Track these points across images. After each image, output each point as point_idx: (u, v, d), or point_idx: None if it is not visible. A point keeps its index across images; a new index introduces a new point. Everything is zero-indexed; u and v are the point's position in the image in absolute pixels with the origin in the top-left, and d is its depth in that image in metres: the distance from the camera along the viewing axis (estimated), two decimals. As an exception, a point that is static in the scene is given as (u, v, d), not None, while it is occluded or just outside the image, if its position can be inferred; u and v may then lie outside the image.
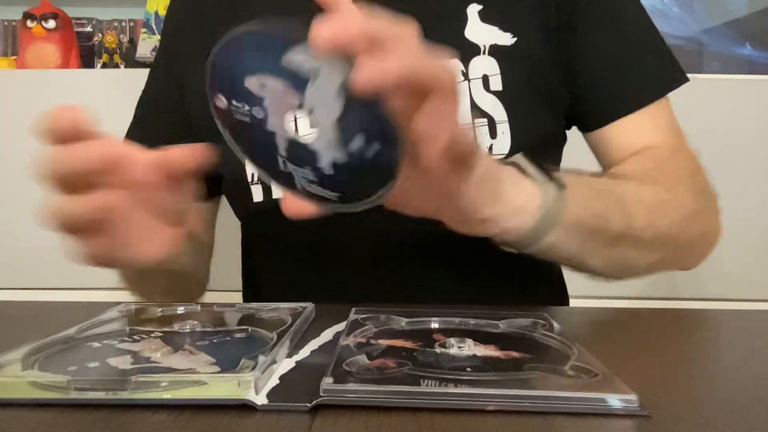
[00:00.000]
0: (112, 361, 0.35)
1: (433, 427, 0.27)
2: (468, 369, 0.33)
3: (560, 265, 0.52)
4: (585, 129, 0.64)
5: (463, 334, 0.39)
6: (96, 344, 0.38)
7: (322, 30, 0.28)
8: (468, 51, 0.58)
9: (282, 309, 0.46)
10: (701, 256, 0.60)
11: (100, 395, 0.30)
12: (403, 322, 0.42)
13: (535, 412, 0.29)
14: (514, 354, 0.36)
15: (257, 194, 0.64)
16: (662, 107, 0.64)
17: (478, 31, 0.59)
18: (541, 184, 0.44)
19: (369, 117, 0.31)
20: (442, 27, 0.60)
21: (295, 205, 0.36)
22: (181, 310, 0.48)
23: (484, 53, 0.58)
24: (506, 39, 0.59)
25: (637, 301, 1.17)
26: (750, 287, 1.18)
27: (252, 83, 0.32)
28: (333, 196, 0.35)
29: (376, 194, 0.34)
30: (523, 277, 0.61)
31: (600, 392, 0.29)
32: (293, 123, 0.35)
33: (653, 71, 0.64)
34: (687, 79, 0.64)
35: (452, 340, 0.37)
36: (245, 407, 0.29)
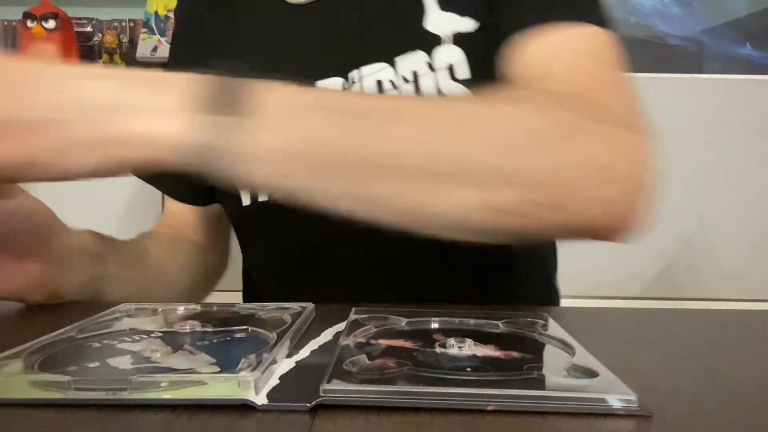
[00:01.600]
0: (112, 361, 0.35)
1: (433, 427, 0.27)
2: (468, 369, 0.33)
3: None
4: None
5: (463, 334, 0.39)
6: (96, 344, 0.38)
7: None
8: (429, 41, 0.57)
9: (282, 309, 0.46)
10: (605, 203, 0.42)
11: (100, 395, 0.30)
12: (403, 322, 0.42)
13: (535, 412, 0.29)
14: (514, 354, 0.36)
15: (245, 198, 0.64)
16: (572, 37, 0.51)
17: (438, 20, 0.57)
18: (192, 116, 0.36)
19: None
20: (399, 20, 0.59)
21: None
22: (181, 310, 0.48)
23: (448, 42, 0.57)
24: (468, 25, 0.56)
25: (637, 301, 1.17)
26: (750, 287, 1.18)
27: None
28: None
29: None
30: (510, 282, 0.61)
31: (600, 392, 0.29)
32: None
33: (569, 3, 0.53)
34: (612, 28, 0.53)
35: (452, 340, 0.37)
36: (245, 407, 0.29)
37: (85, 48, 1.48)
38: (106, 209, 1.23)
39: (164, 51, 1.33)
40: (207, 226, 0.76)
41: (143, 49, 1.40)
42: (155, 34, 1.40)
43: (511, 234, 0.42)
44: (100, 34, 1.51)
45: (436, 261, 0.59)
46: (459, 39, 0.57)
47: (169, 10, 1.40)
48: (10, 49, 1.54)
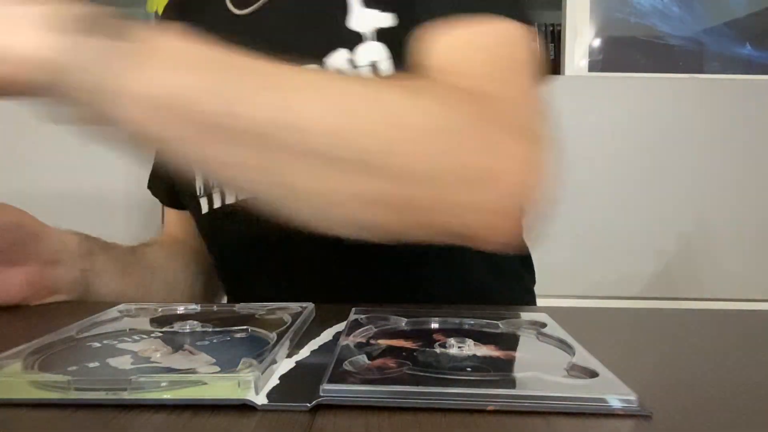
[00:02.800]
0: (112, 361, 0.35)
1: (433, 427, 0.27)
2: (468, 369, 0.33)
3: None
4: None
5: (463, 334, 0.39)
6: (96, 344, 0.38)
7: None
8: (351, 40, 0.56)
9: (282, 309, 0.46)
10: (478, 210, 0.42)
11: (100, 395, 0.30)
12: (403, 322, 0.42)
13: (535, 412, 0.29)
14: (514, 354, 0.36)
15: (204, 206, 0.65)
16: (484, 33, 0.49)
17: (361, 17, 0.56)
18: (72, 35, 0.34)
19: None
20: (321, 20, 0.59)
21: None
22: (181, 310, 0.48)
23: (371, 39, 0.56)
24: (388, 20, 0.56)
25: (637, 301, 1.17)
26: (750, 287, 1.18)
27: None
28: None
29: None
30: (483, 275, 0.61)
31: (600, 392, 0.29)
32: None
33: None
34: (529, 21, 0.50)
35: (452, 340, 0.37)
36: (245, 407, 0.29)
37: (85, 48, 1.48)
38: (106, 222, 1.23)
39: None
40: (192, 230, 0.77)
41: (143, 49, 1.40)
42: (155, 34, 1.40)
43: (382, 230, 0.41)
44: (100, 34, 1.51)
45: (403, 264, 0.59)
46: (381, 35, 0.56)
47: (169, 10, 1.40)
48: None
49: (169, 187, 0.76)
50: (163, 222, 0.82)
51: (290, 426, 0.28)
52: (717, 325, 0.50)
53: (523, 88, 0.47)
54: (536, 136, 0.44)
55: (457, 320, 0.43)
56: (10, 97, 0.35)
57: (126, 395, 0.30)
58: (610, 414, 0.29)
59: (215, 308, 0.48)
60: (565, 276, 1.14)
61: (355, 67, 0.56)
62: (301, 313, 0.45)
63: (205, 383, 0.30)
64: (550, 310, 0.48)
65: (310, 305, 0.47)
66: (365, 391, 0.30)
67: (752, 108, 1.18)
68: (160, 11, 1.40)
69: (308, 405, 0.29)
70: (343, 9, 0.58)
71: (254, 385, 0.30)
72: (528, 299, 0.70)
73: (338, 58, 0.56)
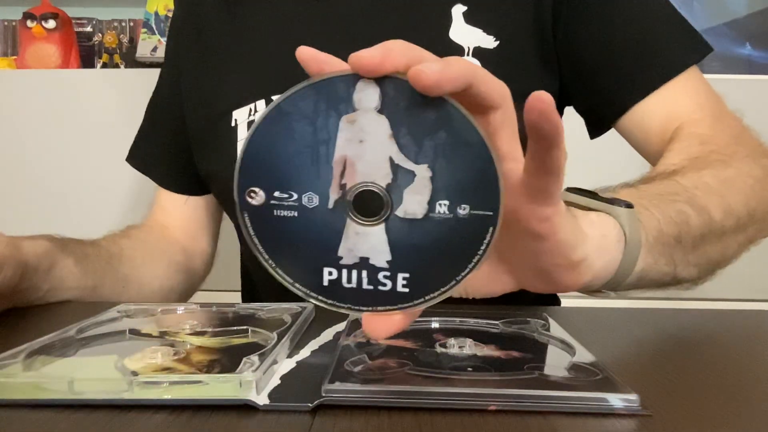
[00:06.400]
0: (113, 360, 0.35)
1: (433, 427, 0.27)
2: (468, 369, 0.33)
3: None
4: (612, 118, 0.60)
5: (463, 334, 0.39)
6: (95, 344, 0.38)
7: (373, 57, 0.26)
8: (451, 52, 0.58)
9: (282, 309, 0.46)
10: None
11: (100, 395, 0.30)
12: (403, 322, 0.42)
13: (536, 411, 0.29)
14: (514, 354, 0.36)
15: None
16: (692, 76, 0.59)
17: (462, 32, 0.58)
18: (607, 209, 0.39)
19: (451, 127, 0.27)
20: (426, 27, 0.59)
21: (382, 323, 0.30)
22: (180, 310, 0.48)
23: (468, 55, 0.58)
24: (489, 42, 0.58)
25: (637, 301, 1.17)
26: (750, 287, 1.18)
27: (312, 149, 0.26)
28: (402, 287, 0.29)
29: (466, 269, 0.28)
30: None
31: (601, 392, 0.29)
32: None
33: (671, 44, 0.59)
34: (711, 48, 0.61)
35: (452, 340, 0.37)
36: (246, 407, 0.29)
37: (85, 48, 1.48)
38: (109, 207, 1.23)
39: (164, 51, 1.33)
40: (195, 226, 0.74)
41: (143, 49, 1.40)
42: (155, 34, 1.40)
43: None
44: (100, 34, 1.51)
45: None
46: (478, 53, 0.58)
47: (169, 10, 1.39)
48: (10, 49, 1.54)
49: (169, 163, 0.72)
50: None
51: (290, 426, 0.28)
52: (717, 325, 0.50)
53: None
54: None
55: (457, 320, 0.43)
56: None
57: (126, 395, 0.30)
58: (611, 414, 0.29)
59: (214, 308, 0.48)
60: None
61: None
62: (301, 313, 0.45)
63: (206, 383, 0.30)
64: (551, 311, 0.48)
65: (310, 305, 0.47)
66: (366, 391, 0.30)
67: (752, 108, 1.18)
68: (161, 11, 1.40)
69: (310, 405, 0.29)
70: (443, 19, 0.59)
71: (255, 385, 0.30)
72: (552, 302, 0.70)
73: None
